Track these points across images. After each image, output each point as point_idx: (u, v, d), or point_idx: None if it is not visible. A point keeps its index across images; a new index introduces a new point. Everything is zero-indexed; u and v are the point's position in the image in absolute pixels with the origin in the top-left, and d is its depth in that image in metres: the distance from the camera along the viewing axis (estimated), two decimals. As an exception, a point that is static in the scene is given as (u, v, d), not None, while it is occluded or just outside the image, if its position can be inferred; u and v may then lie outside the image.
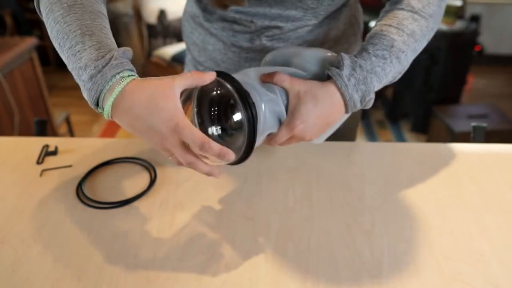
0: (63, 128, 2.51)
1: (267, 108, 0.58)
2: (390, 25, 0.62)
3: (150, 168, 0.77)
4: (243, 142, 0.55)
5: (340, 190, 0.71)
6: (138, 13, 3.06)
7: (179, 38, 3.12)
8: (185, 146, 0.52)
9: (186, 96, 0.57)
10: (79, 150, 0.82)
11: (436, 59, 2.47)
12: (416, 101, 2.65)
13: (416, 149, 0.82)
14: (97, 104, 0.53)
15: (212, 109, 0.58)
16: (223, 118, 0.58)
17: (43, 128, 0.93)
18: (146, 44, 3.13)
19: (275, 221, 0.65)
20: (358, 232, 0.63)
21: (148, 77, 0.53)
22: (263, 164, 0.78)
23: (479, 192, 0.71)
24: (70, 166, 0.77)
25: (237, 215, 0.66)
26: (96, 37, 0.54)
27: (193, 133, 0.50)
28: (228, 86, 0.54)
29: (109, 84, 0.51)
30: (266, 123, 0.57)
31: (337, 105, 0.59)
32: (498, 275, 0.56)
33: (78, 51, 0.53)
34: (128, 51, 0.54)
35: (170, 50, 2.80)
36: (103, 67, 0.51)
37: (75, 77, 0.54)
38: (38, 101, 2.06)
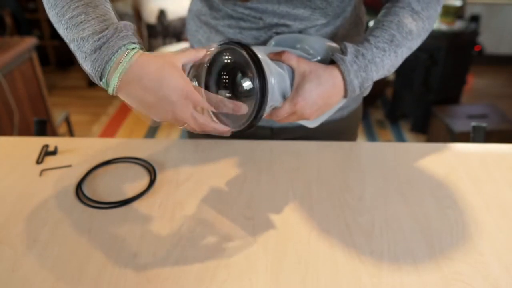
0: (63, 128, 2.51)
1: (276, 81, 0.60)
2: (391, 21, 0.66)
3: (150, 168, 0.77)
4: (253, 108, 0.57)
5: (340, 190, 0.71)
6: (137, 13, 3.06)
7: (179, 38, 3.12)
8: (196, 112, 0.55)
9: (194, 74, 0.59)
10: (79, 150, 0.82)
11: (436, 59, 2.47)
12: (416, 101, 2.65)
13: (416, 149, 0.82)
14: (100, 78, 0.52)
15: (223, 75, 0.60)
16: (232, 85, 0.60)
17: (43, 128, 0.93)
18: (145, 44, 3.13)
19: (275, 221, 0.65)
20: (358, 232, 0.63)
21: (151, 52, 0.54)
22: (263, 164, 0.78)
23: (479, 192, 0.71)
24: (69, 166, 0.77)
25: (237, 215, 0.66)
26: (99, 10, 0.54)
27: (205, 95, 0.54)
28: (243, 52, 0.57)
29: (116, 56, 0.51)
30: (273, 95, 0.60)
31: (338, 88, 0.64)
32: (498, 275, 0.56)
33: (81, 21, 0.52)
34: (130, 24, 0.54)
35: (170, 50, 2.80)
36: (109, 38, 0.51)
37: (74, 48, 0.53)
38: (37, 101, 2.06)
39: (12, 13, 3.24)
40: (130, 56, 0.51)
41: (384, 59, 0.65)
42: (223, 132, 0.58)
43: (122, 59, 0.51)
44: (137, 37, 0.54)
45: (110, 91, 0.53)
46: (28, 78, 1.97)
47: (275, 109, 0.63)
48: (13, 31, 3.22)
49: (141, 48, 0.54)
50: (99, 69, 0.51)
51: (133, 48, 0.52)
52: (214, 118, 0.62)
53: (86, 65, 0.52)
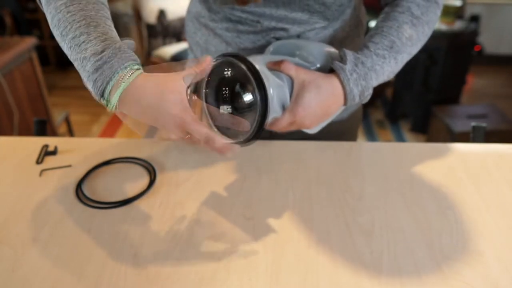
0: (63, 128, 2.51)
1: (275, 92, 0.60)
2: (390, 27, 0.65)
3: (150, 168, 0.77)
4: (254, 121, 0.57)
5: (340, 190, 0.71)
6: (137, 13, 3.06)
7: (178, 38, 3.12)
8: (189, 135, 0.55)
9: (194, 87, 0.59)
10: (79, 150, 0.82)
11: (436, 59, 2.47)
12: (415, 101, 2.65)
13: (415, 149, 0.82)
14: (101, 95, 0.52)
15: (223, 88, 0.60)
16: (233, 98, 0.60)
17: (43, 128, 0.93)
18: (145, 44, 3.13)
19: (275, 221, 0.65)
20: (358, 232, 0.63)
21: (153, 72, 0.54)
22: (263, 164, 0.78)
23: (478, 192, 0.71)
24: (69, 166, 0.77)
25: (237, 215, 0.66)
26: (101, 29, 0.54)
27: (198, 129, 0.53)
28: (243, 66, 0.57)
29: (116, 76, 0.51)
30: (272, 106, 0.59)
31: (337, 97, 0.63)
32: (498, 275, 0.56)
33: (83, 41, 0.52)
34: (131, 43, 0.55)
35: (170, 50, 2.81)
36: (111, 58, 0.51)
37: (77, 67, 0.54)
38: (37, 101, 2.06)
39: (12, 13, 3.24)
40: (132, 76, 0.52)
41: (384, 66, 0.64)
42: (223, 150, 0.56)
43: (124, 78, 0.51)
44: (137, 56, 0.55)
45: (110, 108, 0.53)
46: (28, 78, 1.97)
47: (274, 119, 0.62)
48: (13, 31, 3.22)
49: (141, 69, 0.55)
50: (100, 88, 0.52)
51: (137, 69, 0.53)
52: (215, 129, 0.61)
53: (89, 84, 0.53)
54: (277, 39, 0.73)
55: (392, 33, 0.65)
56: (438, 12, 0.69)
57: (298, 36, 0.73)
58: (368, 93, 0.66)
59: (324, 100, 0.62)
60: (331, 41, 0.75)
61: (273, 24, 0.71)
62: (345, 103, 0.64)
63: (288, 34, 0.72)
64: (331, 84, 0.62)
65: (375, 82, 0.65)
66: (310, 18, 0.71)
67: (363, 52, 0.64)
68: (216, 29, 0.77)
